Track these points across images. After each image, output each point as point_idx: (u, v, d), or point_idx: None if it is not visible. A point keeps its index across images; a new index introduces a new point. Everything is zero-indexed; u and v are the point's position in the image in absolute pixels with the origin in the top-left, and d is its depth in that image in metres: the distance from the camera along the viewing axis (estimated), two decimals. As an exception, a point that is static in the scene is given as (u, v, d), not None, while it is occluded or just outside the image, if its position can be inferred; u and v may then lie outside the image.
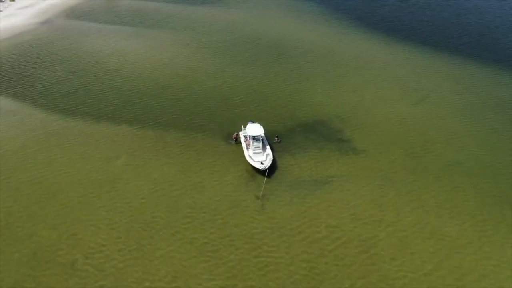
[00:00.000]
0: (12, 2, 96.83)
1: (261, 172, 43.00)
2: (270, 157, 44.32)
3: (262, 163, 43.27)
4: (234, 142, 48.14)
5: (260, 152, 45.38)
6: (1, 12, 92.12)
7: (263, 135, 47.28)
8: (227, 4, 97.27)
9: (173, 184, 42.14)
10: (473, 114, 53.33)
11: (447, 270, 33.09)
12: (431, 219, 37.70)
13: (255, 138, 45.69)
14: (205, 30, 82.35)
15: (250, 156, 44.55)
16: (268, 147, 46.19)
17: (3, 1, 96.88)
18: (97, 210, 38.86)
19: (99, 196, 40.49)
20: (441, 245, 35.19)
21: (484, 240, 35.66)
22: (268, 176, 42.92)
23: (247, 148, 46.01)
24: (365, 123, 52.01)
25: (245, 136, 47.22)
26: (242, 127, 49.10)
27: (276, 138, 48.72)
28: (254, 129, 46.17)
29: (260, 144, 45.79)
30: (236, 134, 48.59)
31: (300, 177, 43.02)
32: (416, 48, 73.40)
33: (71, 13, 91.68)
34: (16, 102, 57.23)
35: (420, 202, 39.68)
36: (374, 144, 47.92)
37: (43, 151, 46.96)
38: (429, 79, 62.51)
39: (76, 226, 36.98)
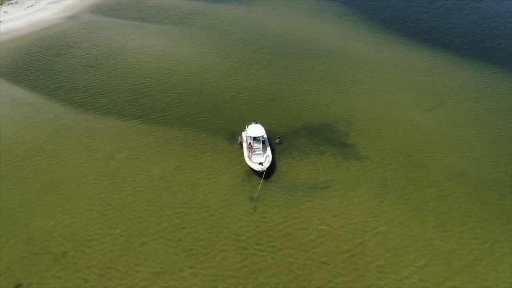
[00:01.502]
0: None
1: (259, 173, 42.76)
2: (269, 159, 43.94)
3: (260, 164, 43.05)
4: (239, 145, 47.54)
5: (260, 154, 45.12)
6: (32, 6, 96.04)
7: (265, 136, 47.13)
8: (250, 2, 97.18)
9: (170, 180, 42.58)
10: (488, 124, 50.77)
11: (433, 282, 31.83)
12: (426, 231, 36.23)
13: (255, 139, 45.48)
14: (225, 28, 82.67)
15: (249, 157, 44.38)
16: (268, 148, 45.80)
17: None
18: (93, 202, 39.86)
19: (97, 189, 41.52)
20: (433, 258, 33.76)
21: (477, 253, 33.98)
22: (266, 178, 42.59)
23: (247, 149, 45.84)
24: (372, 128, 50.60)
25: (247, 137, 47.02)
26: (246, 127, 48.85)
27: (278, 139, 48.28)
28: (255, 130, 45.92)
29: (260, 145, 45.51)
30: (241, 137, 48.00)
31: (298, 180, 42.41)
32: (438, 51, 70.67)
33: (97, 9, 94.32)
34: (34, 94, 59.52)
35: (417, 212, 38.23)
36: (378, 150, 46.56)
37: (52, 142, 48.62)
38: (446, 84, 60.03)
39: (71, 217, 38.08)
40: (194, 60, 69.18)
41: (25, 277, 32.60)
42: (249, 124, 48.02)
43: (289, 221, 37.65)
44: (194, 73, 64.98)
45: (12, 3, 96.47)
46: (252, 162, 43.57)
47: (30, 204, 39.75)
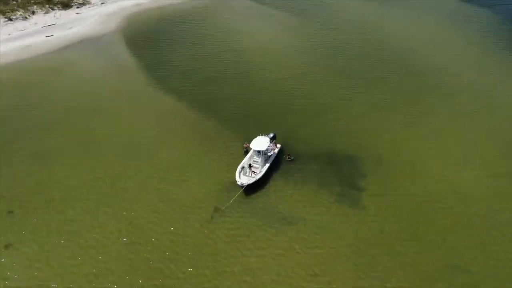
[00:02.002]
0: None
1: (246, 187, 41.51)
2: (258, 176, 42.11)
3: (250, 167, 42.47)
4: (244, 153, 46.42)
5: (257, 167, 43.67)
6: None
7: (275, 151, 45.29)
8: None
9: (166, 171, 44.38)
10: None
11: None
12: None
13: (256, 152, 44.00)
14: (339, 25, 78.44)
15: (242, 167, 43.54)
16: (268, 165, 43.82)
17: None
18: (97, 167, 44.99)
19: (109, 157, 46.57)
20: None
21: None
22: (247, 194, 41.36)
23: (248, 159, 44.85)
24: (402, 177, 42.50)
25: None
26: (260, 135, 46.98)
27: (288, 157, 45.54)
28: (259, 142, 44.30)
29: (259, 159, 43.94)
30: (247, 144, 46.36)
31: (273, 206, 39.69)
32: None
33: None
34: (137, 61, 68.83)
35: (366, 292, 32.02)
36: (385, 206, 39.21)
37: (115, 106, 56.14)
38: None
39: (75, 173, 44.50)
40: (286, 56, 68.54)
41: (17, 208, 40.90)
42: (267, 134, 46.60)
43: (230, 245, 36.23)
44: (276, 69, 64.44)
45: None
46: (239, 173, 42.67)
47: (65, 154, 47.90)
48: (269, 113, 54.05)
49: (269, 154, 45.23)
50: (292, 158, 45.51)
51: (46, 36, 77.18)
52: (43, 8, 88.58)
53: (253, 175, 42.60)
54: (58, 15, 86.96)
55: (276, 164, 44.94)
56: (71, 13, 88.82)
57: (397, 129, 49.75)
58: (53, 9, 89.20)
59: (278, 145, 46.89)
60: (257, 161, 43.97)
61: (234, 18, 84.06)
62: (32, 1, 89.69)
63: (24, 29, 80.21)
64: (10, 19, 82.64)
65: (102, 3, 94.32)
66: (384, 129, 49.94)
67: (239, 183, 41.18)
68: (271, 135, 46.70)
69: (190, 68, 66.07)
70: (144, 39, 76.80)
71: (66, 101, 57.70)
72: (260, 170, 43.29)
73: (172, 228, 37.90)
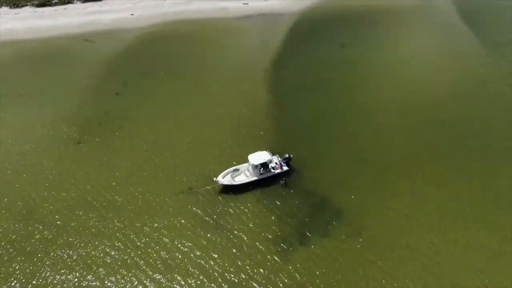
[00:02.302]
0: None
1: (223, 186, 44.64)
2: (239, 183, 44.27)
3: (225, 177, 45.14)
4: None
5: (246, 175, 45.65)
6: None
7: (276, 171, 46.08)
8: None
9: (191, 143, 51.56)
10: None
11: None
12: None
13: (254, 164, 45.19)
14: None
15: (234, 169, 46.31)
16: (256, 178, 44.96)
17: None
18: (168, 115, 57.00)
19: (180, 113, 57.77)
20: None
21: None
22: (225, 192, 44.28)
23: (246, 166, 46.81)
24: (357, 263, 36.76)
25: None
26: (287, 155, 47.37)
27: (283, 181, 45.23)
28: (259, 157, 45.39)
29: (251, 170, 45.43)
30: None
31: (225, 213, 41.58)
32: None
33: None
34: (277, 49, 75.15)
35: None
36: (308, 273, 35.70)
37: (222, 80, 65.94)
38: None
39: (151, 117, 57.07)
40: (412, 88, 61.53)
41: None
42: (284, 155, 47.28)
43: (163, 218, 41.15)
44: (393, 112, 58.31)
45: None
46: (227, 171, 45.86)
47: (160, 95, 61.57)
48: (326, 137, 52.61)
49: (273, 170, 45.96)
50: (285, 184, 45.00)
51: (243, 4, 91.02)
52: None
53: (242, 178, 45.38)
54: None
55: (269, 182, 45.33)
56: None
57: (412, 218, 40.73)
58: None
59: (285, 167, 46.42)
60: (249, 171, 45.80)
61: (413, 27, 76.68)
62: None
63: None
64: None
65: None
66: (403, 211, 41.69)
67: (214, 179, 44.74)
68: (286, 155, 46.87)
69: (313, 67, 67.67)
70: (306, 29, 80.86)
71: (203, 61, 71.51)
72: (245, 177, 45.35)
73: (146, 187, 45.94)
